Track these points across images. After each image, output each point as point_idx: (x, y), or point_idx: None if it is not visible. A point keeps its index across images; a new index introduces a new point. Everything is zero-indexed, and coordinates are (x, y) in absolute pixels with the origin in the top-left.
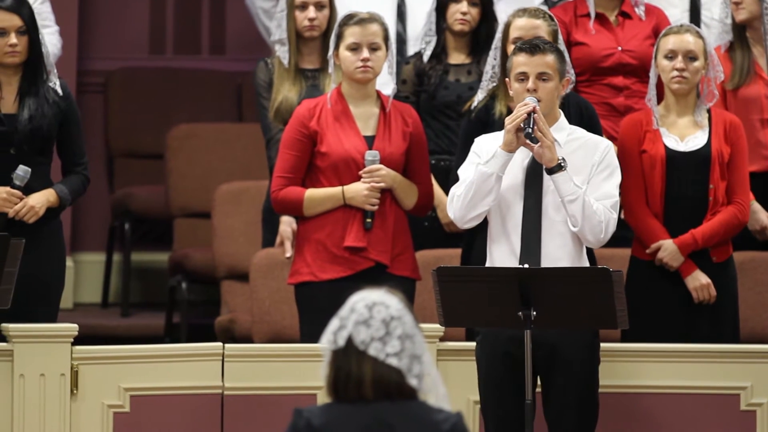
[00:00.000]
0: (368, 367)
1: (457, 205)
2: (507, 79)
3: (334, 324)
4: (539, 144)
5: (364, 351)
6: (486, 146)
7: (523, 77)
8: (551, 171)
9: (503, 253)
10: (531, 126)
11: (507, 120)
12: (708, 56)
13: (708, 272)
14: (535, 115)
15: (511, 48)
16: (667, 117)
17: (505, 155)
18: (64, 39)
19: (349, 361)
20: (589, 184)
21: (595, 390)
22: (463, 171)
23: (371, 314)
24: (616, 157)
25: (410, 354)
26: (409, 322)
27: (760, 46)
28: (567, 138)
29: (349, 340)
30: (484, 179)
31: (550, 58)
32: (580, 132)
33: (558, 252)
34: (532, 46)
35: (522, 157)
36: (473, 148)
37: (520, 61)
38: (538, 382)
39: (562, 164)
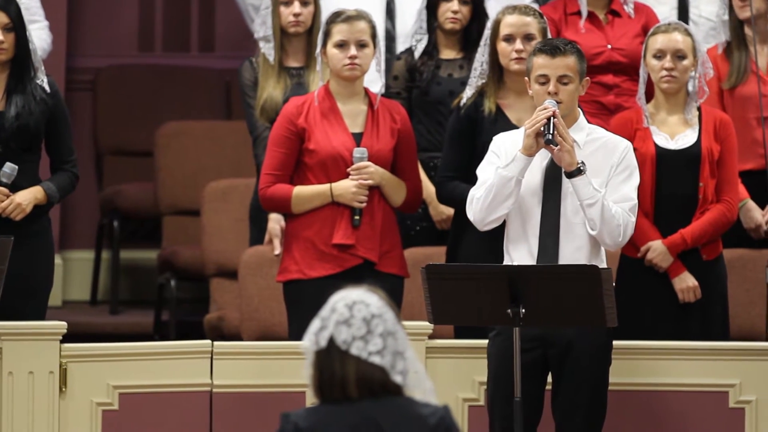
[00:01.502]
0: (351, 367)
1: (476, 208)
2: (527, 78)
3: (315, 325)
4: (559, 147)
5: (347, 351)
6: (504, 146)
7: (544, 80)
8: (570, 175)
9: (521, 254)
10: (551, 131)
11: (527, 124)
12: (697, 53)
13: (698, 270)
14: (555, 120)
15: (501, 44)
16: (657, 115)
17: (525, 159)
18: (53, 36)
19: (332, 362)
20: (608, 185)
21: (604, 390)
22: (481, 171)
23: (352, 313)
24: (635, 158)
25: (393, 351)
26: (390, 319)
27: (759, 44)
28: (586, 138)
29: (331, 341)
30: (504, 183)
31: (570, 60)
32: (599, 132)
33: (576, 254)
34: (552, 47)
35: (540, 158)
36: (491, 147)
37: (541, 63)
38: (549, 380)
39: (582, 168)
